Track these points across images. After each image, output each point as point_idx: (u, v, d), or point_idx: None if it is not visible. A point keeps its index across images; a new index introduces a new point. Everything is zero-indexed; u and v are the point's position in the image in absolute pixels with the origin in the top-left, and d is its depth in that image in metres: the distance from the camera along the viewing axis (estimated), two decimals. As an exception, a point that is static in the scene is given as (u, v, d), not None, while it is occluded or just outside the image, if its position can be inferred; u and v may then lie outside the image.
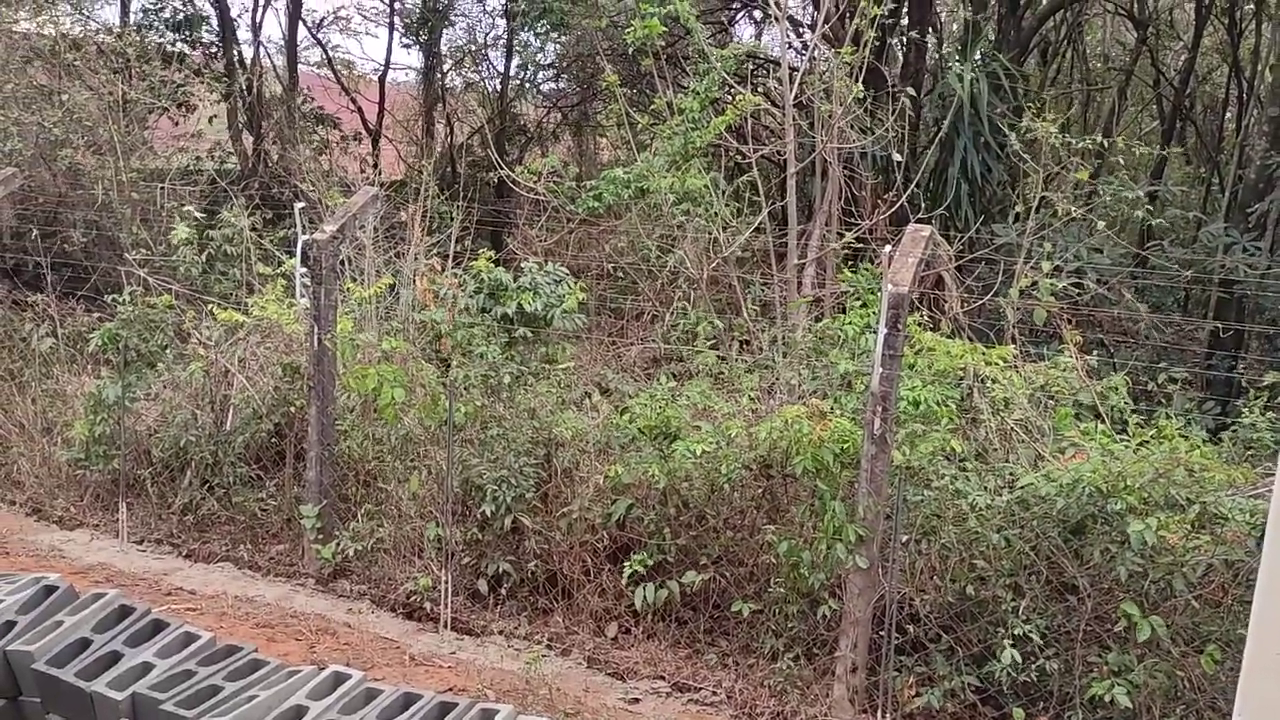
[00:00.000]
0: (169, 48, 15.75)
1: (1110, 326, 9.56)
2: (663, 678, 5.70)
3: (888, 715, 5.25)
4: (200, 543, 7.23)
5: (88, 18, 15.25)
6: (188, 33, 16.23)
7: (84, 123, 10.81)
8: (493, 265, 7.79)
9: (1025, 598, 5.14)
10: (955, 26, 18.16)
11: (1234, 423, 6.37)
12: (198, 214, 9.21)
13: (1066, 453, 5.65)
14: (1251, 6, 15.33)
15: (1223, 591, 4.98)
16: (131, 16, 15.86)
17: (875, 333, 5.86)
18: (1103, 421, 6.13)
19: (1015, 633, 5.04)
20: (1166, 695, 4.86)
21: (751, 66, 9.98)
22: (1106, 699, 4.80)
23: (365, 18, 18.67)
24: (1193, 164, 17.03)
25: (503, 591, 6.32)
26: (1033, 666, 5.03)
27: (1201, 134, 17.01)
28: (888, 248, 5.48)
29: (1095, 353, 7.00)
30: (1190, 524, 4.98)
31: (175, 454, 7.42)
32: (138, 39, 13.35)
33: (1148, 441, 5.54)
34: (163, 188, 10.65)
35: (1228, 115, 16.81)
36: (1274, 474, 5.34)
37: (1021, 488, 5.32)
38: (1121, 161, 11.41)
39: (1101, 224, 8.69)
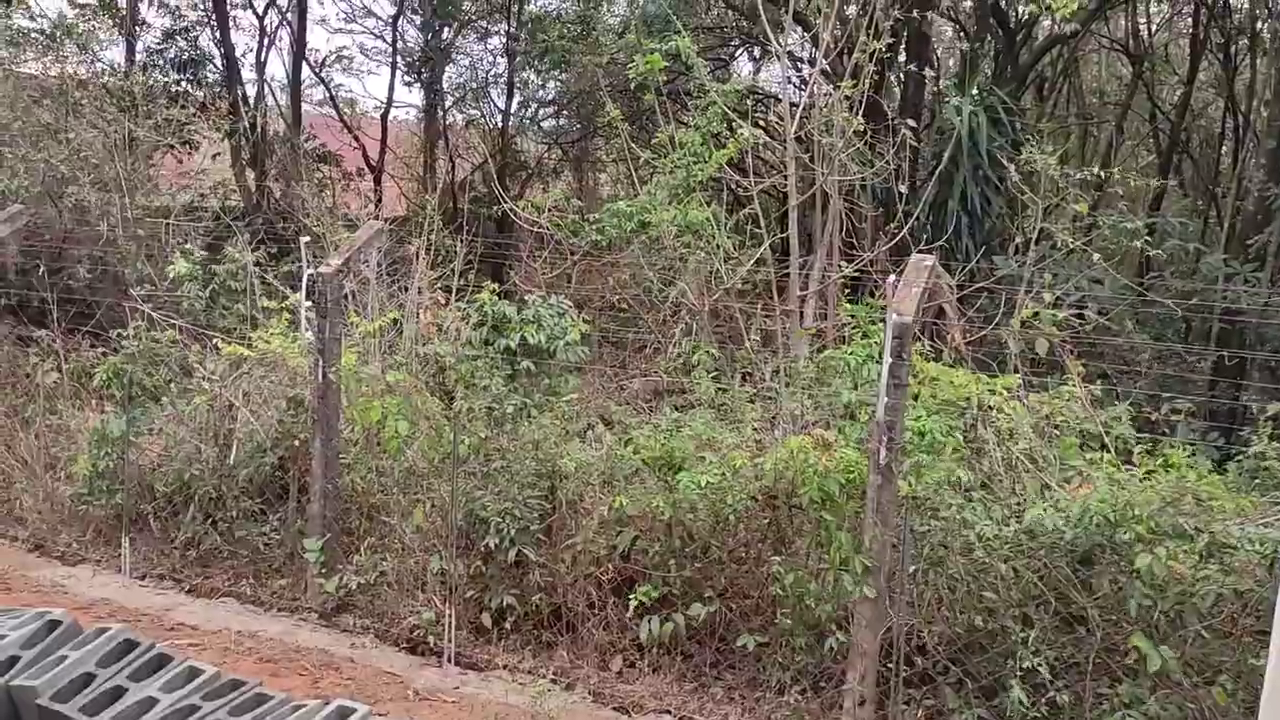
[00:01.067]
0: (174, 87, 15.94)
1: (1112, 357, 9.58)
2: (669, 712, 5.64)
3: (897, 749, 5.20)
4: (203, 578, 7.19)
5: (94, 58, 15.47)
6: (192, 72, 16.42)
7: (90, 160, 10.90)
8: (496, 298, 7.82)
9: (1034, 629, 5.10)
10: (952, 62, 18.38)
11: (1239, 452, 6.36)
12: (200, 250, 9.26)
13: (1073, 483, 5.63)
14: (1246, 41, 15.52)
15: (1233, 622, 4.95)
16: (137, 57, 16.05)
17: (877, 363, 5.88)
18: (1108, 451, 6.12)
19: (1025, 665, 4.99)
20: (1179, 727, 4.81)
21: (752, 101, 10.08)
22: (1119, 731, 4.76)
23: (368, 57, 18.92)
24: (1190, 197, 17.14)
25: (507, 625, 6.27)
26: (1043, 700, 4.98)
27: (1199, 167, 17.15)
28: (891, 277, 5.50)
29: (1098, 383, 6.99)
30: (1199, 554, 4.96)
31: (178, 488, 7.40)
32: (143, 79, 13.50)
33: (1154, 471, 5.52)
34: (167, 224, 10.72)
35: (1224, 148, 16.95)
36: (1282, 502, 5.33)
37: (1029, 518, 5.30)
38: (1120, 193, 11.49)
39: (1096, 256, 8.74)
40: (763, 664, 5.70)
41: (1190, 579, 4.90)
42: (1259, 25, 15.38)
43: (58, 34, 14.55)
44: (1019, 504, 5.54)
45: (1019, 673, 4.99)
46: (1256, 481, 5.97)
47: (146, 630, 6.29)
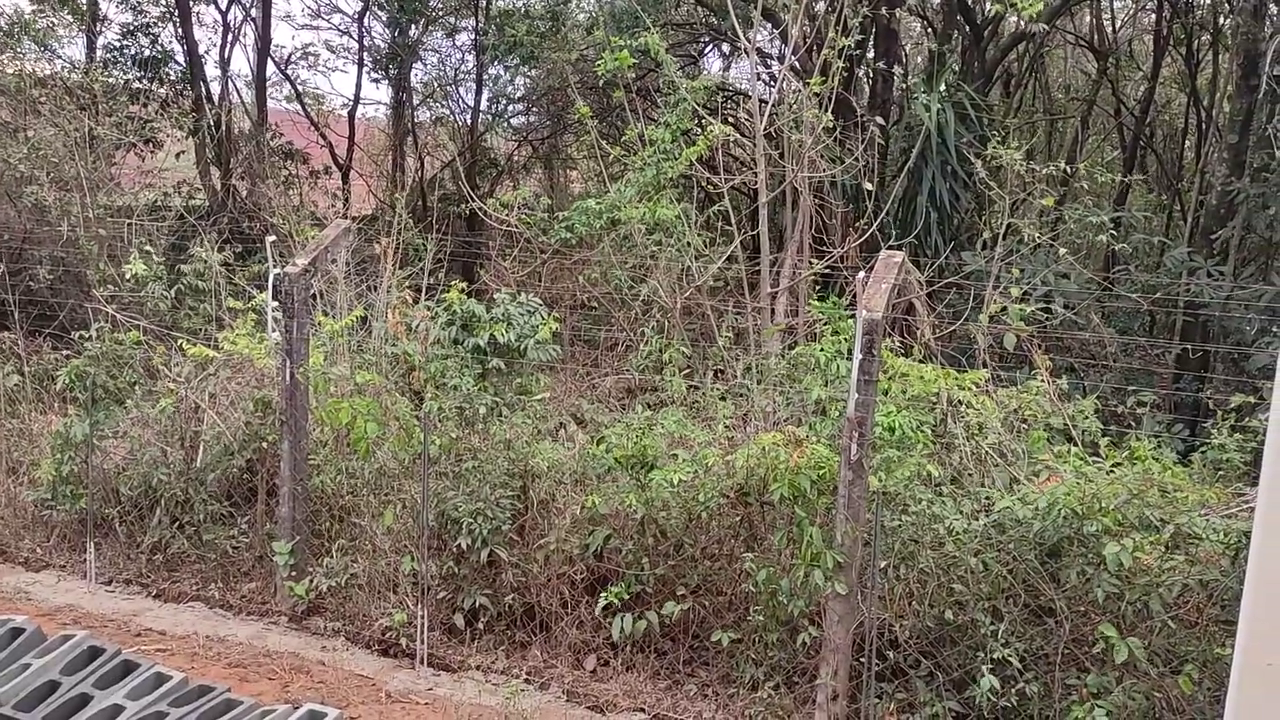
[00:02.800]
0: (135, 84, 15.69)
1: (1079, 350, 9.67)
2: (643, 710, 5.64)
3: (870, 743, 5.23)
4: (170, 582, 7.10)
5: (53, 54, 15.20)
6: (154, 69, 16.17)
7: (49, 159, 10.72)
8: (465, 297, 7.77)
9: (1004, 621, 5.15)
10: (920, 59, 18.51)
11: (1203, 444, 6.45)
12: (156, 254, 9.13)
13: (1041, 476, 5.69)
14: (1208, 37, 15.73)
15: (1198, 611, 5.02)
16: (97, 53, 15.78)
17: (847, 359, 5.89)
18: (1075, 445, 6.19)
19: (994, 657, 5.04)
20: (1145, 717, 4.87)
21: (721, 98, 10.08)
22: (1087, 721, 4.81)
23: (334, 53, 18.72)
24: (1154, 191, 17.34)
25: (480, 626, 6.24)
26: (1013, 691, 5.03)
27: (1163, 161, 17.34)
28: (861, 274, 5.52)
29: (1065, 377, 7.06)
30: (1165, 545, 5.02)
31: (144, 492, 7.30)
32: (103, 76, 13.29)
33: (1121, 463, 5.59)
34: (130, 224, 10.56)
35: (1187, 143, 17.16)
36: (1245, 494, 5.41)
37: (998, 511, 5.35)
38: (1085, 188, 11.61)
39: (1063, 250, 8.82)
40: (736, 660, 5.72)
41: (1156, 570, 4.97)
42: (1221, 20, 15.58)
43: (15, 30, 14.28)
44: (988, 498, 5.59)
45: (989, 664, 5.03)
46: (1220, 473, 6.05)
47: (112, 636, 6.20)
